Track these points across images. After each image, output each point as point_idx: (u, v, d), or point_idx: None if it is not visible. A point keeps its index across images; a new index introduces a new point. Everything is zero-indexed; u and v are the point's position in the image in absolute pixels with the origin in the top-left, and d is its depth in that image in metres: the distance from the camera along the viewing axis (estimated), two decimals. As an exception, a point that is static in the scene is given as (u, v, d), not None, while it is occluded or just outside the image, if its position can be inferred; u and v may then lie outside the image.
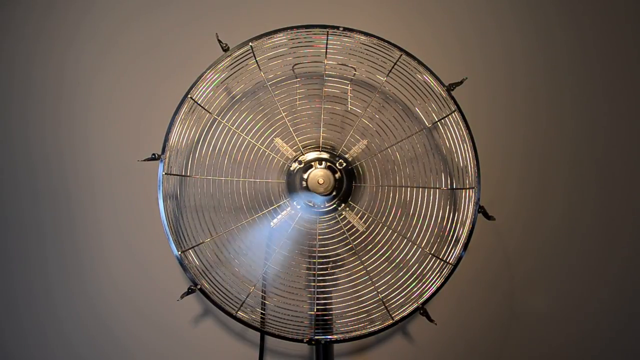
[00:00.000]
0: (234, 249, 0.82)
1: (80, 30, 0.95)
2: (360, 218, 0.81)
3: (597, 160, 1.02)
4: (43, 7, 0.95)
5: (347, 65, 0.82)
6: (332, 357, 0.86)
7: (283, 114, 0.80)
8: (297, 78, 0.82)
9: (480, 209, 0.78)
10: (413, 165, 0.82)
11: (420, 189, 0.81)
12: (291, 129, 0.80)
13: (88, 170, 0.95)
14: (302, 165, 0.80)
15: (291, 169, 0.80)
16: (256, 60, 0.79)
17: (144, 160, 0.77)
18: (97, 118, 0.96)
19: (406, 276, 0.81)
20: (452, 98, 0.78)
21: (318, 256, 0.81)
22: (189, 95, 0.77)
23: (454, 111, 0.78)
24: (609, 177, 1.02)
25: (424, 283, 0.80)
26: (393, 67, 0.79)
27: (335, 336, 0.80)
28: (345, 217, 0.81)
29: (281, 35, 0.78)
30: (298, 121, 0.82)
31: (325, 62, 0.80)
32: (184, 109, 0.77)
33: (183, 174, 0.82)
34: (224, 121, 0.80)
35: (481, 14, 1.00)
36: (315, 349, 0.85)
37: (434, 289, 0.79)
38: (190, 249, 0.79)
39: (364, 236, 0.81)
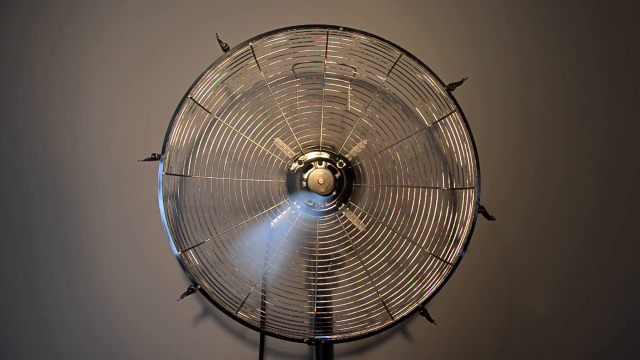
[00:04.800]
0: (234, 249, 0.82)
1: (84, 31, 0.95)
2: (360, 218, 0.81)
3: (598, 159, 1.02)
4: (47, 9, 0.95)
5: (347, 65, 0.82)
6: (332, 357, 0.86)
7: (283, 114, 0.80)
8: (297, 78, 0.82)
9: (480, 209, 0.78)
10: (413, 165, 0.82)
11: (420, 189, 0.81)
12: (291, 129, 0.80)
13: (89, 170, 0.95)
14: (302, 165, 0.80)
15: (291, 169, 0.80)
16: (256, 60, 0.79)
17: (144, 160, 0.77)
18: (99, 118, 0.96)
19: (406, 276, 0.81)
20: (452, 98, 0.78)
21: (318, 256, 0.81)
22: (189, 95, 0.77)
23: (454, 111, 0.78)
24: (610, 175, 1.02)
25: (424, 283, 0.80)
26: (393, 67, 0.79)
27: (335, 336, 0.80)
28: (345, 217, 0.81)
29: (281, 35, 0.78)
30: (298, 121, 0.82)
31: (325, 62, 0.80)
32: (184, 109, 0.77)
33: (183, 174, 0.82)
34: (224, 121, 0.80)
35: (481, 14, 1.00)
36: (315, 349, 0.85)
37: (434, 289, 0.79)
38: (190, 249, 0.79)
39: (364, 236, 0.81)
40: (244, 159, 0.82)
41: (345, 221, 0.81)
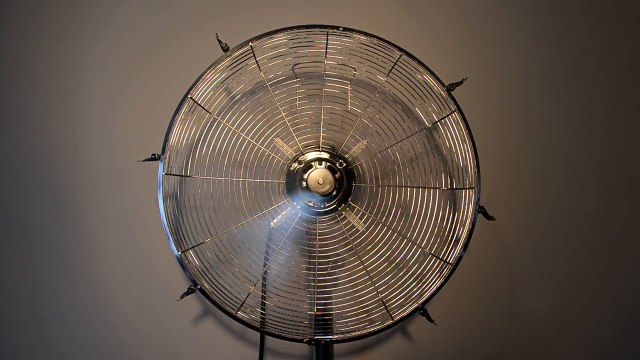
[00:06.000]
0: (234, 249, 0.82)
1: (84, 31, 0.95)
2: (360, 218, 0.81)
3: (598, 159, 1.02)
4: (47, 9, 0.95)
5: (347, 65, 0.82)
6: (332, 357, 0.86)
7: (283, 114, 0.80)
8: (297, 78, 0.82)
9: (480, 209, 0.78)
10: (413, 165, 0.82)
11: (420, 189, 0.81)
12: (291, 129, 0.80)
13: (89, 170, 0.95)
14: (302, 165, 0.80)
15: (291, 169, 0.80)
16: (256, 60, 0.79)
17: (144, 160, 0.77)
18: (99, 118, 0.96)
19: (406, 276, 0.81)
20: (452, 98, 0.78)
21: (318, 256, 0.81)
22: (189, 95, 0.77)
23: (454, 111, 0.78)
24: (609, 175, 1.02)
25: (424, 283, 0.80)
26: (393, 67, 0.79)
27: (335, 336, 0.80)
28: (345, 217, 0.81)
29: (281, 35, 0.78)
30: (298, 121, 0.82)
31: (325, 62, 0.80)
32: (184, 109, 0.77)
33: (183, 174, 0.82)
34: (224, 121, 0.80)
35: (481, 14, 1.00)
36: (315, 349, 0.85)
37: (434, 289, 0.79)
38: (190, 249, 0.79)
39: (364, 236, 0.81)
40: (244, 159, 0.82)
41: (345, 221, 0.81)
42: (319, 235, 0.81)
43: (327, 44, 0.79)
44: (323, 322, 0.81)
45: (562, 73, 1.01)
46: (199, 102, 0.78)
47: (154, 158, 0.77)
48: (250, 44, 0.78)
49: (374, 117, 0.84)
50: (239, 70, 0.80)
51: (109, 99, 0.96)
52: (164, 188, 0.77)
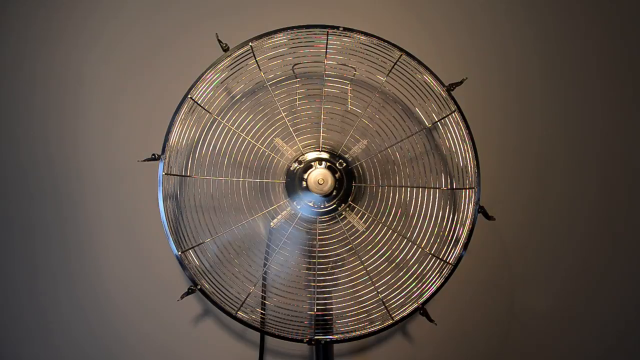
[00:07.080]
0: (234, 249, 0.82)
1: (84, 31, 0.95)
2: (360, 218, 0.81)
3: (598, 159, 1.02)
4: (47, 8, 0.95)
5: (347, 65, 0.82)
6: (332, 357, 0.86)
7: (283, 114, 0.80)
8: (297, 78, 0.82)
9: (480, 209, 0.78)
10: (413, 165, 0.82)
11: (420, 189, 0.81)
12: (291, 129, 0.80)
13: (89, 170, 0.95)
14: (302, 166, 0.80)
15: (291, 169, 0.80)
16: (256, 60, 0.79)
17: (144, 160, 0.77)
18: (99, 118, 0.96)
19: (406, 276, 0.81)
20: (452, 98, 0.78)
21: (318, 256, 0.81)
22: (189, 95, 0.77)
23: (454, 111, 0.78)
24: (609, 176, 1.02)
25: (424, 283, 0.80)
26: (393, 67, 0.79)
27: (335, 336, 0.80)
28: (345, 217, 0.81)
29: (281, 35, 0.78)
30: (298, 121, 0.82)
31: (325, 62, 0.80)
32: (184, 109, 0.77)
33: (183, 174, 0.82)
34: (224, 121, 0.80)
35: (481, 14, 1.00)
36: (315, 349, 0.85)
37: (434, 289, 0.79)
38: (190, 249, 0.79)
39: (364, 236, 0.81)
40: (244, 159, 0.82)
41: (345, 221, 0.81)
42: (319, 235, 0.81)
43: (327, 44, 0.79)
44: (323, 322, 0.81)
45: (562, 73, 1.01)
46: (199, 102, 0.78)
47: (154, 158, 0.77)
48: (250, 44, 0.78)
49: (374, 117, 0.84)
50: (239, 70, 0.80)
51: (109, 99, 0.96)
52: (164, 188, 0.77)
